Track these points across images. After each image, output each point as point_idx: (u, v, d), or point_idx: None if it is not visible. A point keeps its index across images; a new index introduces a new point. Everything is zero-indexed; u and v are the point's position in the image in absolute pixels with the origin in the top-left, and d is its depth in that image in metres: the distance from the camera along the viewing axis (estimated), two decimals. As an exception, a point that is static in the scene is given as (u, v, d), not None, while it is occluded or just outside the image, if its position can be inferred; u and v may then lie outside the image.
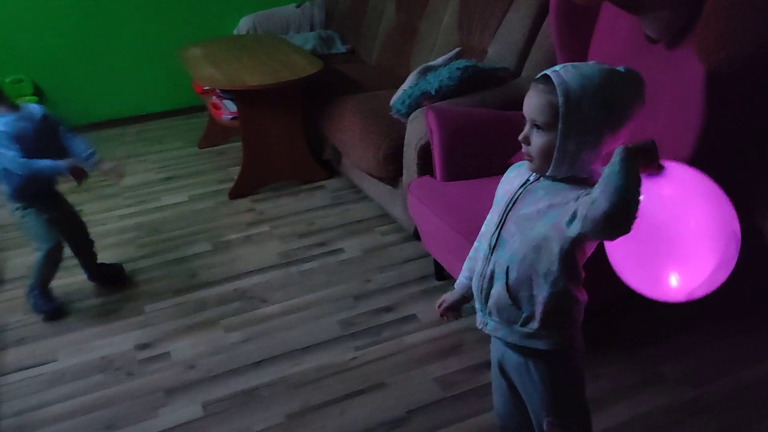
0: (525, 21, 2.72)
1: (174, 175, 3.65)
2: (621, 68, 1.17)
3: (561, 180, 1.18)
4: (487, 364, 2.03)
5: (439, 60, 2.89)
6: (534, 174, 1.23)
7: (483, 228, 1.35)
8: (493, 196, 1.32)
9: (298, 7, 4.47)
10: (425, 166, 2.43)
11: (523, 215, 1.21)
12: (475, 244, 1.38)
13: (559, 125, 1.13)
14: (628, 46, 2.10)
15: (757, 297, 2.13)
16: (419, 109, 2.54)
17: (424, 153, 2.42)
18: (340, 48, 4.20)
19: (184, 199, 3.34)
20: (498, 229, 1.25)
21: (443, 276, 2.47)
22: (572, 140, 1.13)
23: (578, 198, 1.12)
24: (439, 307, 1.45)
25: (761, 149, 2.00)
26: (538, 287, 1.20)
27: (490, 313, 1.29)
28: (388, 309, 2.36)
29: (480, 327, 1.33)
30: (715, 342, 2.08)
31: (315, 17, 4.46)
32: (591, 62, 1.17)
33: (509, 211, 1.24)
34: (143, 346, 2.24)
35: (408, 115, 2.63)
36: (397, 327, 2.26)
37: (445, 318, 1.46)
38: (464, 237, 1.96)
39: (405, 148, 2.57)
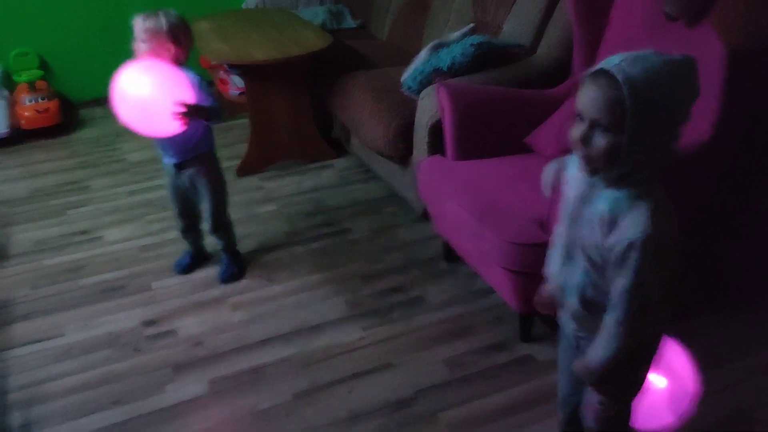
0: (541, -3, 2.65)
1: (181, 151, 3.61)
2: (678, 57, 1.06)
3: (621, 186, 1.09)
4: (495, 347, 2.04)
5: (453, 36, 2.83)
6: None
7: (557, 228, 1.26)
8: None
9: (307, -19, 4.40)
10: (436, 145, 2.39)
11: (585, 238, 1.15)
12: (553, 238, 1.29)
13: (629, 125, 1.02)
14: (646, 23, 2.05)
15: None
16: (431, 86, 2.50)
17: (435, 131, 2.38)
18: (351, 23, 4.14)
19: (191, 175, 3.31)
20: (566, 245, 1.21)
21: (452, 258, 2.43)
22: (645, 141, 1.04)
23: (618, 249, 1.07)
24: (538, 302, 1.40)
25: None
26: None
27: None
28: (396, 290, 2.34)
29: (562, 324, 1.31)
30: (723, 327, 2.05)
31: (325, -9, 4.39)
32: (647, 51, 1.05)
33: (572, 225, 1.18)
34: (150, 323, 2.23)
35: (419, 92, 2.59)
36: (405, 308, 2.24)
37: (543, 311, 1.40)
38: (475, 218, 1.93)
39: (416, 127, 2.54)
